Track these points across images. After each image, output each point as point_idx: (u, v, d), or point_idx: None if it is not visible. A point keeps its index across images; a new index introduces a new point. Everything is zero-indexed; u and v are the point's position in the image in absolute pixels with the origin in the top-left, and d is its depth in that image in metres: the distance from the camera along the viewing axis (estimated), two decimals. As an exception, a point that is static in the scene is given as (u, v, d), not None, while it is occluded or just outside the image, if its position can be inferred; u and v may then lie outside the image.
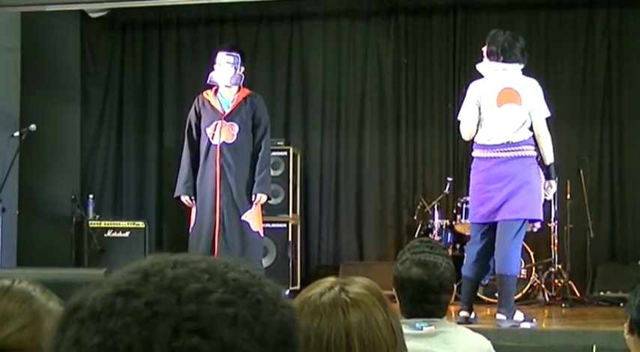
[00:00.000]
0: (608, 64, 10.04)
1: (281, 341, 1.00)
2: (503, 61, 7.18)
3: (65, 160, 10.53)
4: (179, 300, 0.94)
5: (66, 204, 9.85)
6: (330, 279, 1.87)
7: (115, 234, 9.39)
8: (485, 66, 7.28)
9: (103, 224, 9.55)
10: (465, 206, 9.24)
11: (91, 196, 10.10)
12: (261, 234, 7.54)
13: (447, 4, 10.47)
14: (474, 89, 7.23)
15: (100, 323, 0.93)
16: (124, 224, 9.55)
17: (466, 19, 10.40)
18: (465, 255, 7.31)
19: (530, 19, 10.25)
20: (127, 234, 9.38)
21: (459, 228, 9.34)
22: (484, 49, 7.29)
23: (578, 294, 8.85)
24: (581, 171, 9.18)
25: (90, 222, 9.59)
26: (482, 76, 7.38)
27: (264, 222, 7.73)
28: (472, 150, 7.30)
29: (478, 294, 8.60)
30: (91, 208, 9.90)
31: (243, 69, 7.49)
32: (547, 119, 7.16)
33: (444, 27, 10.43)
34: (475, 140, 7.19)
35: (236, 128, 7.35)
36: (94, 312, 0.94)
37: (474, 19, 10.40)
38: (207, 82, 7.53)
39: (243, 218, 7.30)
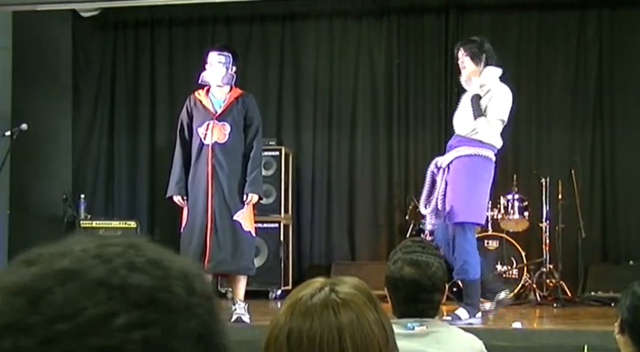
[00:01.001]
0: (599, 65, 10.06)
1: (203, 345, 0.89)
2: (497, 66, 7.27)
3: (57, 160, 10.52)
4: (79, 331, 0.81)
5: (57, 204, 9.84)
6: (320, 280, 1.87)
7: (106, 234, 9.37)
8: (495, 72, 7.27)
9: (94, 224, 9.55)
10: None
11: (82, 196, 10.09)
12: (253, 234, 7.53)
13: (440, 4, 10.48)
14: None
15: None
16: (115, 224, 9.55)
17: (458, 19, 10.41)
18: (475, 255, 7.29)
19: (521, 20, 10.27)
20: (118, 233, 9.36)
21: (450, 228, 9.34)
22: (467, 57, 7.21)
23: (569, 294, 8.87)
24: (573, 172, 9.19)
25: (81, 221, 9.59)
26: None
27: (256, 222, 7.72)
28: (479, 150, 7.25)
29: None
30: (82, 208, 9.89)
31: (235, 69, 7.48)
32: None
33: (436, 27, 10.44)
34: (494, 144, 7.22)
35: (228, 128, 7.33)
36: None
37: (466, 19, 10.42)
38: (199, 81, 7.52)
39: (235, 218, 7.29)
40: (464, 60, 7.21)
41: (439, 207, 7.05)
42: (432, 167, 7.14)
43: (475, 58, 7.18)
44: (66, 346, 0.80)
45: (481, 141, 7.15)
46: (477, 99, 7.13)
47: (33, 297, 0.83)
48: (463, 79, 7.29)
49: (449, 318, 6.87)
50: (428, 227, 7.19)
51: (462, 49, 7.25)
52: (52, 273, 0.85)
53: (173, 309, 0.86)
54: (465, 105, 7.25)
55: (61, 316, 0.81)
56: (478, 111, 7.12)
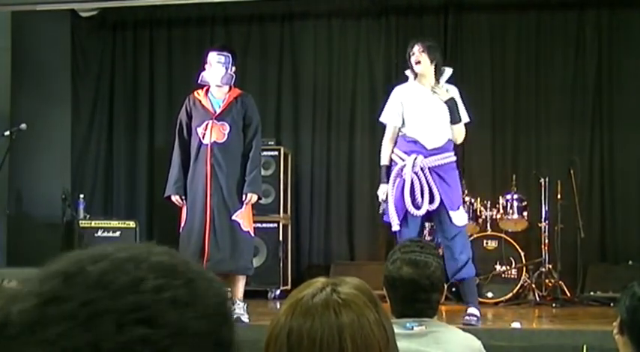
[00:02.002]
0: (598, 65, 10.06)
1: (221, 314, 0.98)
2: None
3: (56, 160, 10.52)
4: (114, 295, 0.90)
5: (56, 204, 9.84)
6: (321, 280, 1.87)
7: (105, 234, 9.37)
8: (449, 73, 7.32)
9: (93, 224, 9.54)
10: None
11: (81, 196, 10.08)
12: (252, 234, 7.53)
13: (438, 4, 10.48)
14: None
15: (37, 335, 0.88)
16: (114, 224, 9.55)
17: (457, 19, 10.41)
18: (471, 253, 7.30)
19: (520, 20, 10.27)
20: (117, 233, 9.37)
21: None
22: (425, 54, 7.20)
23: (568, 294, 8.87)
24: (572, 172, 9.19)
25: (80, 221, 9.58)
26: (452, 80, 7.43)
27: (254, 222, 7.72)
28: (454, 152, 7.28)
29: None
30: (81, 208, 9.89)
31: (234, 69, 7.48)
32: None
33: (435, 27, 10.44)
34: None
35: (227, 128, 7.33)
36: (25, 326, 0.88)
37: (465, 19, 10.42)
38: (198, 81, 7.52)
39: (233, 218, 7.29)
40: (420, 56, 7.17)
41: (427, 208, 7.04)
42: (411, 169, 7.05)
43: (430, 55, 7.18)
44: (104, 306, 0.89)
45: (452, 144, 7.20)
46: (455, 104, 7.14)
47: (69, 276, 0.92)
48: (418, 74, 7.22)
49: (472, 320, 6.89)
50: (396, 227, 7.13)
51: (419, 44, 7.21)
52: (84, 258, 0.95)
53: (193, 279, 0.96)
54: (434, 112, 7.17)
55: (96, 285, 0.91)
56: (458, 117, 7.15)
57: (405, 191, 6.97)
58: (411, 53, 7.20)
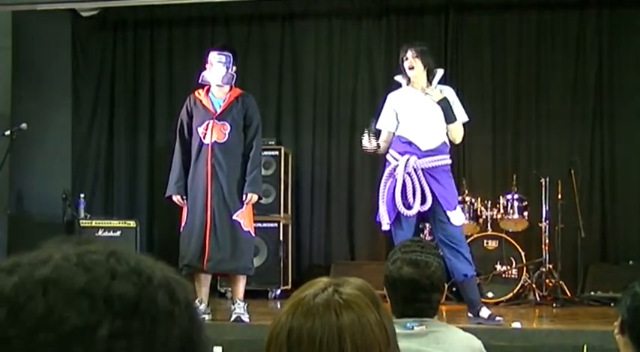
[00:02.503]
0: (599, 64, 10.06)
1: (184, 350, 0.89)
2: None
3: (56, 159, 10.51)
4: (61, 342, 0.81)
5: (57, 204, 9.83)
6: (324, 280, 1.87)
7: (106, 234, 9.37)
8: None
9: (94, 223, 9.54)
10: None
11: (82, 195, 10.08)
12: (253, 234, 7.53)
13: (439, 4, 10.48)
14: None
15: None
16: (115, 223, 9.54)
17: (458, 19, 10.40)
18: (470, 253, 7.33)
19: (521, 20, 10.27)
20: (118, 233, 9.36)
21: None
22: (418, 59, 7.21)
23: (569, 294, 8.87)
24: (572, 171, 9.19)
25: (81, 221, 9.57)
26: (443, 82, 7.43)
27: (255, 222, 7.72)
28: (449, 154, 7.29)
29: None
30: (82, 207, 9.88)
31: (235, 68, 7.48)
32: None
33: (436, 27, 10.44)
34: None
35: (227, 127, 7.33)
36: None
37: (466, 19, 10.42)
38: (199, 81, 7.52)
39: (234, 217, 7.29)
40: (414, 61, 7.18)
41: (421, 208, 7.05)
42: (403, 169, 7.05)
43: (423, 60, 7.20)
44: None
45: (448, 148, 7.20)
46: (448, 104, 7.14)
47: (14, 307, 0.82)
48: (411, 79, 7.23)
49: (492, 320, 6.96)
50: (386, 226, 7.14)
51: (412, 50, 7.22)
52: (33, 282, 0.84)
53: (156, 318, 0.86)
54: (428, 114, 7.18)
55: (43, 326, 0.81)
56: (453, 116, 7.15)
57: (396, 191, 6.99)
58: (404, 58, 7.23)
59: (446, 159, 7.15)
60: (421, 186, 6.99)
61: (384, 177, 7.14)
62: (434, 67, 7.28)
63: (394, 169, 7.06)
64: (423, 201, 6.99)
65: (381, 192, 7.09)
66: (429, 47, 7.46)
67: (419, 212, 7.03)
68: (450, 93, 7.27)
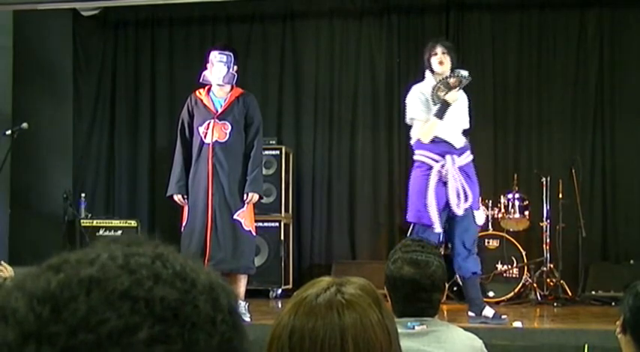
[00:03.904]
0: (600, 64, 10.06)
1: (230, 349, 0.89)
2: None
3: (57, 159, 10.52)
4: (99, 344, 0.81)
5: (58, 203, 9.83)
6: (327, 279, 1.87)
7: (107, 233, 9.37)
8: None
9: (95, 223, 9.53)
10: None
11: (83, 195, 10.09)
12: (254, 233, 7.53)
13: (440, 3, 10.48)
14: None
15: None
16: (116, 223, 9.54)
17: (458, 18, 10.41)
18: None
19: (522, 19, 10.26)
20: (119, 232, 9.36)
21: (451, 227, 9.35)
22: (448, 56, 7.22)
23: (570, 293, 8.87)
24: (573, 171, 9.19)
25: (82, 220, 9.57)
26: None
27: (256, 221, 7.72)
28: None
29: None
30: (83, 207, 9.88)
31: (235, 68, 7.48)
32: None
33: (437, 26, 10.43)
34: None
35: (228, 127, 7.34)
36: None
37: (467, 18, 10.42)
38: (200, 80, 7.52)
39: (235, 217, 7.29)
40: (444, 57, 7.20)
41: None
42: (452, 169, 7.06)
43: (452, 56, 7.23)
44: None
45: None
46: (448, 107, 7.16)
47: (57, 305, 0.82)
48: (440, 74, 7.22)
49: (496, 319, 6.98)
50: (439, 229, 7.12)
51: (441, 46, 7.25)
52: (77, 281, 0.84)
53: (197, 325, 0.86)
54: (457, 111, 7.19)
55: (83, 326, 0.81)
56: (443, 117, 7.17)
57: (450, 192, 7.00)
58: (433, 53, 7.24)
59: (471, 155, 7.24)
60: (462, 184, 7.04)
61: (431, 180, 7.06)
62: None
63: (440, 171, 7.03)
64: (466, 199, 7.04)
65: (430, 195, 7.02)
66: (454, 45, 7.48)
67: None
68: (464, 99, 7.33)
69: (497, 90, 10.26)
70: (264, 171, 8.51)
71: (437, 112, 7.06)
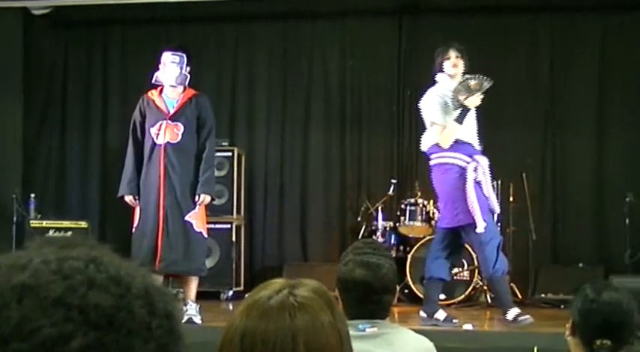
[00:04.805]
0: (550, 68, 10.15)
1: None
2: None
3: (6, 159, 10.40)
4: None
5: (7, 204, 9.72)
6: (279, 281, 1.86)
7: (56, 234, 9.27)
8: None
9: (44, 223, 9.43)
10: (408, 208, 9.30)
11: (32, 195, 9.98)
12: (205, 235, 7.50)
13: (394, 7, 10.51)
14: None
15: None
16: (66, 224, 9.44)
17: (412, 22, 10.44)
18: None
19: (474, 24, 10.31)
20: (69, 233, 9.27)
21: (402, 229, 9.39)
22: (462, 60, 7.25)
23: (520, 296, 8.92)
24: (524, 174, 9.26)
25: (31, 221, 9.47)
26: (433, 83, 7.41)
27: (208, 223, 7.70)
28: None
29: (422, 296, 8.71)
30: (32, 207, 9.78)
31: (188, 69, 7.45)
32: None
33: (390, 30, 10.46)
34: None
35: (181, 128, 7.31)
36: None
37: (420, 22, 10.46)
38: (152, 81, 7.48)
39: (186, 218, 7.27)
40: (458, 61, 7.23)
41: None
42: (472, 168, 7.08)
43: (465, 60, 7.27)
44: None
45: None
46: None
47: None
48: (454, 78, 7.24)
49: (448, 322, 7.06)
50: (482, 229, 7.11)
51: (454, 50, 7.27)
52: (10, 288, 0.83)
53: (132, 331, 0.84)
54: (473, 115, 7.26)
55: (16, 335, 0.79)
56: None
57: (489, 192, 7.12)
58: (446, 57, 7.26)
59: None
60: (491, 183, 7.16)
61: (470, 180, 7.05)
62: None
63: (475, 170, 7.05)
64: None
65: (473, 194, 7.03)
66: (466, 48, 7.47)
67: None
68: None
69: (450, 94, 10.30)
70: (217, 173, 8.48)
71: (457, 117, 7.11)
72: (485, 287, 8.99)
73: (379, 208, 9.53)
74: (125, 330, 0.83)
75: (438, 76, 7.34)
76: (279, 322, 1.73)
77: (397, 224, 9.44)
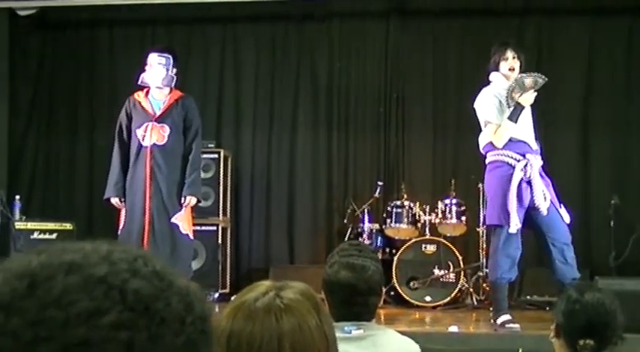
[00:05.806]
0: (538, 70, 10.13)
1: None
2: None
3: (-8, 160, 10.37)
4: (67, 321, 0.83)
5: (-8, 205, 9.69)
6: (266, 283, 1.86)
7: (41, 236, 9.23)
8: None
9: (29, 225, 9.39)
10: (394, 210, 9.30)
11: (17, 197, 9.94)
12: (191, 237, 7.50)
13: (381, 9, 10.52)
14: None
15: None
16: (51, 225, 9.39)
17: (400, 24, 10.45)
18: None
19: (462, 26, 10.33)
20: (54, 235, 9.23)
21: (388, 231, 9.39)
22: (519, 61, 7.21)
23: (505, 298, 8.93)
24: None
25: (16, 223, 9.43)
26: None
27: (194, 225, 7.69)
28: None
29: (408, 298, 8.73)
30: (17, 209, 9.74)
31: (175, 70, 7.45)
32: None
33: (378, 31, 10.48)
34: None
35: (167, 130, 7.30)
36: None
37: (408, 24, 10.46)
38: (139, 83, 7.48)
39: (172, 220, 7.26)
40: (515, 62, 7.19)
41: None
42: (521, 167, 7.04)
43: (521, 61, 7.23)
44: (51, 332, 0.83)
45: None
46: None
47: (34, 282, 0.86)
48: (509, 77, 7.20)
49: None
50: (514, 230, 7.09)
51: (511, 50, 7.22)
52: (59, 264, 0.88)
53: (166, 320, 0.88)
54: (529, 114, 7.21)
55: (55, 304, 0.84)
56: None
57: (536, 192, 7.02)
58: (503, 58, 7.21)
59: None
60: (545, 183, 7.14)
61: (515, 179, 6.99)
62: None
63: (524, 169, 7.00)
64: (545, 199, 7.10)
65: (512, 194, 6.97)
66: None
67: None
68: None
69: (438, 96, 10.32)
70: (203, 175, 8.48)
71: (510, 115, 7.04)
72: (472, 290, 9.00)
73: (365, 210, 9.53)
74: (159, 318, 0.88)
75: (493, 75, 7.28)
76: (266, 324, 1.74)
77: (383, 226, 9.44)
